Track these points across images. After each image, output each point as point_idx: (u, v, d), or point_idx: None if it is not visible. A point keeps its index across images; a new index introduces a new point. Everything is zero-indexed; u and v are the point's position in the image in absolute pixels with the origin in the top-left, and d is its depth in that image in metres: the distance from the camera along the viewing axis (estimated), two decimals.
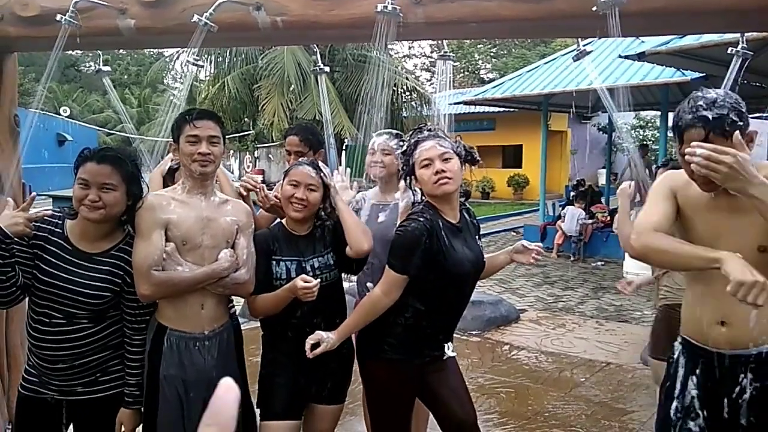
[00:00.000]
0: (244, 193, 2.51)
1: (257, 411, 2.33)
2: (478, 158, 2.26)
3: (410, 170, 2.22)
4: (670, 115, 9.65)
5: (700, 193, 1.82)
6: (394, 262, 2.13)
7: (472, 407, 2.32)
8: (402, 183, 2.63)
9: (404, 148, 2.24)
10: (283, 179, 2.32)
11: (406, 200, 2.48)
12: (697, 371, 1.88)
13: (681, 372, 1.93)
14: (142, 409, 2.10)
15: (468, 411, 2.28)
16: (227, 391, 0.55)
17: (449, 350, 2.31)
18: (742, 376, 1.80)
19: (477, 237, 2.35)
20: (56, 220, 2.04)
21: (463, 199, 2.32)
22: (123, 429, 2.08)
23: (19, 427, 2.13)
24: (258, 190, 2.50)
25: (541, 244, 2.32)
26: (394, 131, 2.83)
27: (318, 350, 2.11)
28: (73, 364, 2.01)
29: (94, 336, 2.03)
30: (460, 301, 2.29)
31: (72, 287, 1.97)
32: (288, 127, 3.11)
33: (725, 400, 1.83)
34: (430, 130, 2.21)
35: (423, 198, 2.28)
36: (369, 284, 2.81)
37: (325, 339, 2.12)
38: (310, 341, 2.12)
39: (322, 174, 2.29)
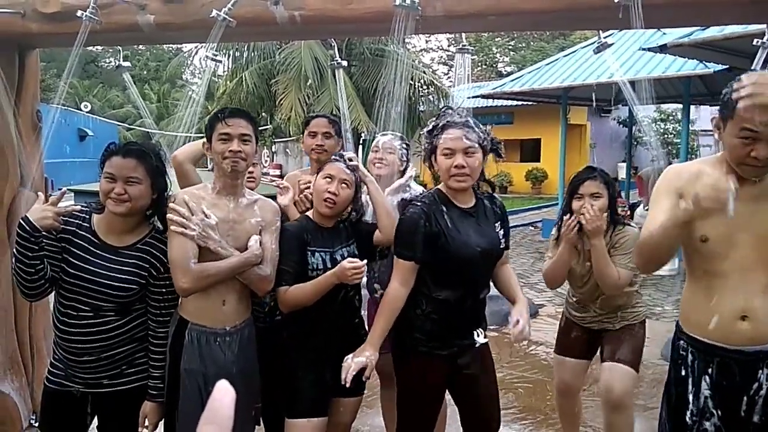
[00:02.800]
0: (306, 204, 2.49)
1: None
2: (502, 154, 2.24)
3: (431, 152, 2.19)
4: (692, 109, 9.54)
5: (714, 183, 1.73)
6: (399, 250, 2.15)
7: (497, 414, 2.32)
8: (396, 183, 2.64)
9: (431, 126, 2.19)
10: (317, 174, 2.31)
11: (397, 200, 2.50)
12: (710, 371, 1.82)
13: (692, 374, 1.86)
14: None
15: (490, 419, 2.29)
16: (224, 393, 0.58)
17: (479, 337, 2.25)
18: (760, 372, 1.76)
19: (500, 224, 2.28)
20: (84, 215, 2.07)
21: (489, 190, 2.31)
22: (146, 421, 2.11)
23: (45, 420, 2.17)
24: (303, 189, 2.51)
25: (526, 329, 2.15)
26: (399, 133, 2.83)
27: (367, 372, 2.09)
28: (100, 356, 2.04)
29: (120, 329, 2.06)
30: (477, 286, 2.24)
31: (99, 280, 2.00)
32: (308, 115, 3.10)
33: (744, 398, 1.78)
34: (460, 114, 2.15)
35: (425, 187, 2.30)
36: (376, 285, 2.82)
37: (365, 361, 2.08)
38: (351, 373, 2.06)
39: (355, 173, 2.29)
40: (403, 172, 2.83)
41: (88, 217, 2.07)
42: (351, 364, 2.08)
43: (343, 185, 2.23)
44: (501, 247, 2.26)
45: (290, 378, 2.26)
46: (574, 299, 2.82)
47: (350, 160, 2.30)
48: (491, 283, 2.35)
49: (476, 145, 2.10)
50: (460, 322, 2.23)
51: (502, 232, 2.27)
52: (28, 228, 1.90)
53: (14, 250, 1.95)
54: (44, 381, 2.15)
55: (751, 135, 1.63)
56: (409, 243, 2.12)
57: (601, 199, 2.55)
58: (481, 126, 2.17)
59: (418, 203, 2.16)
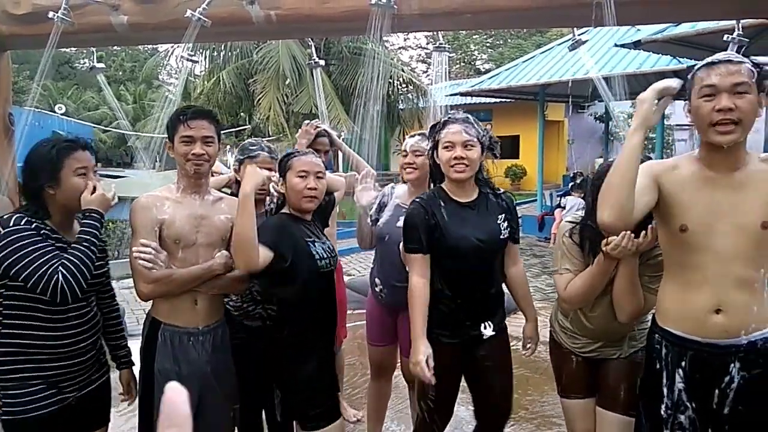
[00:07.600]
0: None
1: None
2: (497, 153, 2.37)
3: (433, 147, 2.32)
4: None
5: (694, 172, 1.80)
6: (407, 244, 2.27)
7: (507, 406, 2.42)
8: (362, 185, 2.69)
9: (433, 124, 2.33)
10: (286, 171, 2.25)
11: (370, 199, 2.57)
12: (683, 364, 1.82)
13: (666, 368, 1.87)
14: (138, 400, 2.15)
15: (499, 411, 2.40)
16: (177, 393, 0.57)
17: (487, 330, 2.31)
18: (732, 366, 1.77)
19: (503, 216, 2.34)
20: (34, 221, 1.97)
21: (490, 190, 2.39)
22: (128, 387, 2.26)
23: None
24: None
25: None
26: (426, 132, 2.82)
27: (431, 363, 2.15)
28: (92, 351, 2.08)
29: (94, 318, 2.10)
30: (482, 278, 2.29)
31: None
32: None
33: (716, 391, 1.79)
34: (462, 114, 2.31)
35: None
36: (376, 279, 2.81)
37: (430, 352, 2.15)
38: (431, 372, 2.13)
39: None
40: None
41: (39, 221, 1.98)
42: (425, 366, 2.12)
43: (318, 176, 2.23)
44: (501, 237, 2.31)
45: (303, 385, 2.19)
46: (573, 325, 2.34)
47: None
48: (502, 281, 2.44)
49: (475, 140, 2.23)
50: (467, 314, 2.29)
51: (505, 224, 2.33)
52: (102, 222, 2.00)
53: (91, 243, 1.95)
54: (27, 413, 1.91)
55: (711, 91, 1.71)
56: (414, 237, 2.23)
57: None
58: (480, 124, 2.30)
59: (417, 199, 2.28)
